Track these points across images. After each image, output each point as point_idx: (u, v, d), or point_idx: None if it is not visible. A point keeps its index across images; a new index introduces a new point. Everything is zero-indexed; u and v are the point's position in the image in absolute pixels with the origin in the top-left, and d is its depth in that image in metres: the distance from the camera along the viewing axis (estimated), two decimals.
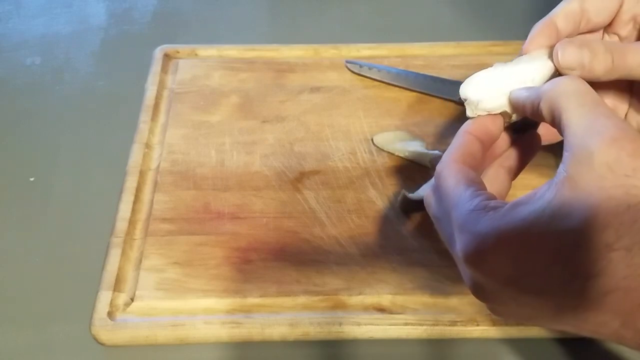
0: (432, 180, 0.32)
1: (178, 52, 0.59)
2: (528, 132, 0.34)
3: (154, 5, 0.68)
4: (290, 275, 0.42)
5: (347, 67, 0.57)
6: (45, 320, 0.42)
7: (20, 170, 0.51)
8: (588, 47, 0.30)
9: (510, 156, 0.34)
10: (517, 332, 0.39)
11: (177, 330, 0.39)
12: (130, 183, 0.47)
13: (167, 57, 0.58)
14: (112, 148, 0.52)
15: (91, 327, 0.39)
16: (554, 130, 0.34)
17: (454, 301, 0.41)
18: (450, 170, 0.30)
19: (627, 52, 0.30)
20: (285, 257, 0.43)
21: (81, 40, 0.64)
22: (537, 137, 0.34)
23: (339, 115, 0.53)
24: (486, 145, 0.32)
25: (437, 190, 0.30)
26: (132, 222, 0.45)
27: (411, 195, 0.44)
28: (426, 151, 0.48)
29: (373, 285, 0.41)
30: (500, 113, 0.32)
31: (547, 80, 0.31)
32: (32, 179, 0.50)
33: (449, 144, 0.31)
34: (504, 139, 0.33)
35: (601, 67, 0.30)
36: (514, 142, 0.34)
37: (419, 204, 0.44)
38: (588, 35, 0.34)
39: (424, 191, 0.43)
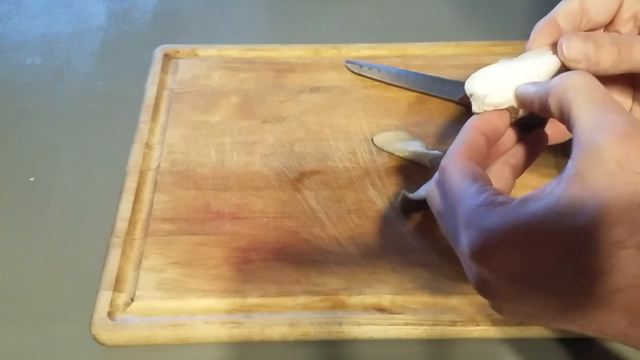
0: (435, 176, 0.32)
1: (178, 52, 0.59)
2: (534, 130, 0.34)
3: (154, 5, 0.68)
4: (290, 275, 0.42)
5: (347, 67, 0.57)
6: (45, 320, 0.42)
7: (20, 170, 0.51)
8: (592, 40, 0.30)
9: (515, 154, 0.33)
10: (517, 332, 0.39)
11: (177, 330, 0.39)
12: (130, 183, 0.47)
13: (167, 57, 0.58)
14: (112, 148, 0.51)
15: (91, 327, 0.39)
16: (560, 129, 0.33)
17: (454, 301, 0.41)
18: (455, 164, 0.29)
19: (633, 44, 0.30)
20: (285, 257, 0.43)
21: (81, 40, 0.64)
22: (544, 136, 0.34)
23: (339, 115, 0.53)
24: (492, 141, 0.31)
25: (442, 185, 0.30)
26: (132, 222, 0.45)
27: (411, 195, 0.44)
28: (426, 151, 0.48)
29: (373, 285, 0.41)
30: (506, 108, 0.32)
31: (554, 76, 0.31)
32: (32, 179, 0.50)
33: (449, 144, 0.31)
34: (509, 136, 0.33)
35: (607, 59, 0.30)
36: (519, 140, 0.33)
37: (419, 204, 0.44)
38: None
39: (424, 191, 0.43)
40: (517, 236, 0.25)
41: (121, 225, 0.45)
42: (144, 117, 0.53)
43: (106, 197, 0.47)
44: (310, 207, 0.46)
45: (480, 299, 0.40)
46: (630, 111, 0.34)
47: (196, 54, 0.59)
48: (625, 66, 0.30)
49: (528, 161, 0.34)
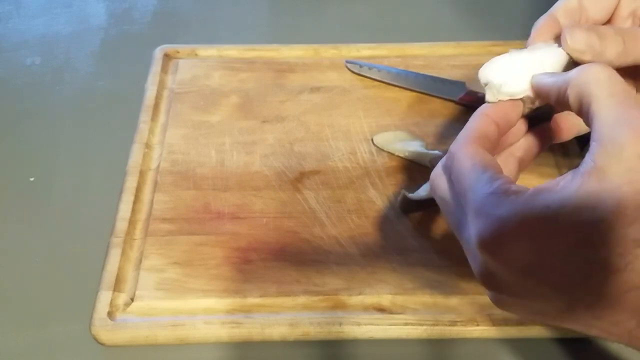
0: (442, 160, 0.31)
1: (178, 52, 0.59)
2: (541, 124, 0.33)
3: (154, 5, 0.68)
4: (290, 275, 0.42)
5: (347, 67, 0.57)
6: (45, 320, 0.42)
7: (20, 170, 0.51)
8: (596, 30, 0.29)
9: (521, 147, 0.33)
10: (517, 332, 0.39)
11: (177, 330, 0.39)
12: (130, 183, 0.47)
13: (167, 57, 0.58)
14: (112, 148, 0.51)
15: (91, 327, 0.39)
16: (568, 126, 0.33)
17: (454, 301, 0.41)
18: (466, 151, 0.29)
19: (638, 35, 0.29)
20: (285, 257, 0.43)
21: (81, 40, 0.64)
22: (550, 130, 0.34)
23: (339, 115, 0.53)
24: (502, 130, 0.31)
25: (450, 171, 0.29)
26: (132, 222, 0.45)
27: (411, 195, 0.44)
28: (426, 151, 0.48)
29: (373, 285, 0.41)
30: (521, 98, 0.31)
31: (565, 67, 0.30)
32: (32, 179, 0.50)
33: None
34: (518, 128, 0.32)
35: (612, 51, 0.29)
36: (526, 133, 0.33)
37: (419, 204, 0.44)
38: None
39: (424, 191, 0.43)
40: (529, 227, 0.25)
41: (121, 225, 0.45)
42: (144, 117, 0.53)
43: (106, 197, 0.47)
44: (310, 207, 0.46)
45: (481, 299, 0.40)
46: None
47: (196, 54, 0.59)
48: (630, 58, 0.29)
49: (534, 155, 0.33)
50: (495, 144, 0.30)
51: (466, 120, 0.31)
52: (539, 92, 0.30)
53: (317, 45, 0.59)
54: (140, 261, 0.43)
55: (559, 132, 0.34)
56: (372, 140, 0.51)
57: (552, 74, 0.30)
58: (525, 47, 0.33)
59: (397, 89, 0.55)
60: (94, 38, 0.64)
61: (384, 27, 0.65)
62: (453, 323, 0.39)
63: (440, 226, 0.45)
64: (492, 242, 0.26)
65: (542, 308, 0.27)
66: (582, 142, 0.48)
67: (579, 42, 0.30)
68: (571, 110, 0.28)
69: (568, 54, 0.30)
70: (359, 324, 0.39)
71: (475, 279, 0.29)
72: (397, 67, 0.56)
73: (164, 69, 0.57)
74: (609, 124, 0.25)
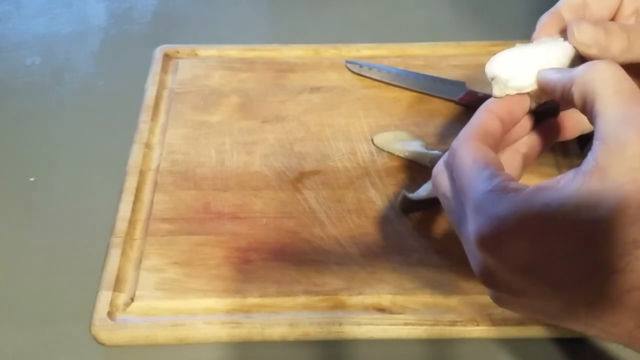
0: (444, 156, 0.31)
1: (178, 52, 0.59)
2: (546, 121, 0.33)
3: (154, 5, 0.68)
4: (290, 275, 0.42)
5: (347, 67, 0.57)
6: (45, 320, 0.42)
7: (20, 170, 0.51)
8: (602, 25, 0.29)
9: (527, 143, 0.33)
10: (517, 332, 0.39)
11: (177, 330, 0.39)
12: (130, 183, 0.47)
13: (167, 57, 0.58)
14: (112, 148, 0.51)
15: (91, 327, 0.39)
16: (572, 124, 0.33)
17: (454, 301, 0.41)
18: (468, 147, 0.28)
19: None
20: (285, 257, 0.43)
21: (81, 40, 0.64)
22: (556, 126, 0.33)
23: (339, 115, 0.53)
24: (507, 126, 0.30)
25: (451, 167, 0.29)
26: (132, 222, 0.45)
27: (411, 195, 0.44)
28: (426, 151, 0.48)
29: (373, 285, 0.41)
30: (528, 93, 0.31)
31: (571, 61, 0.30)
32: (32, 179, 0.50)
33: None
34: (523, 124, 0.32)
35: (617, 46, 0.29)
36: (531, 129, 0.33)
37: (419, 204, 0.44)
38: None
39: (424, 191, 0.43)
40: (528, 225, 0.24)
41: (121, 225, 0.45)
42: (144, 117, 0.52)
43: (106, 197, 0.47)
44: (310, 207, 0.46)
45: (481, 299, 0.40)
46: None
47: (196, 54, 0.59)
48: (634, 55, 0.29)
49: (538, 152, 0.33)
50: (498, 141, 0.30)
51: (466, 120, 0.31)
52: (544, 87, 0.30)
53: (317, 45, 0.59)
54: (140, 261, 0.43)
55: (563, 130, 0.34)
56: (372, 140, 0.51)
57: (558, 69, 0.29)
58: (532, 37, 0.32)
59: (397, 89, 0.55)
60: (94, 38, 0.64)
61: (384, 27, 0.65)
62: (453, 323, 0.39)
63: (440, 226, 0.45)
64: (491, 240, 0.26)
65: (541, 307, 0.27)
66: (583, 143, 0.48)
67: (585, 35, 0.29)
68: (576, 107, 0.27)
69: (574, 47, 0.30)
70: (359, 324, 0.39)
71: (475, 279, 0.29)
72: (397, 67, 0.56)
73: (164, 69, 0.57)
74: (612, 122, 0.24)
